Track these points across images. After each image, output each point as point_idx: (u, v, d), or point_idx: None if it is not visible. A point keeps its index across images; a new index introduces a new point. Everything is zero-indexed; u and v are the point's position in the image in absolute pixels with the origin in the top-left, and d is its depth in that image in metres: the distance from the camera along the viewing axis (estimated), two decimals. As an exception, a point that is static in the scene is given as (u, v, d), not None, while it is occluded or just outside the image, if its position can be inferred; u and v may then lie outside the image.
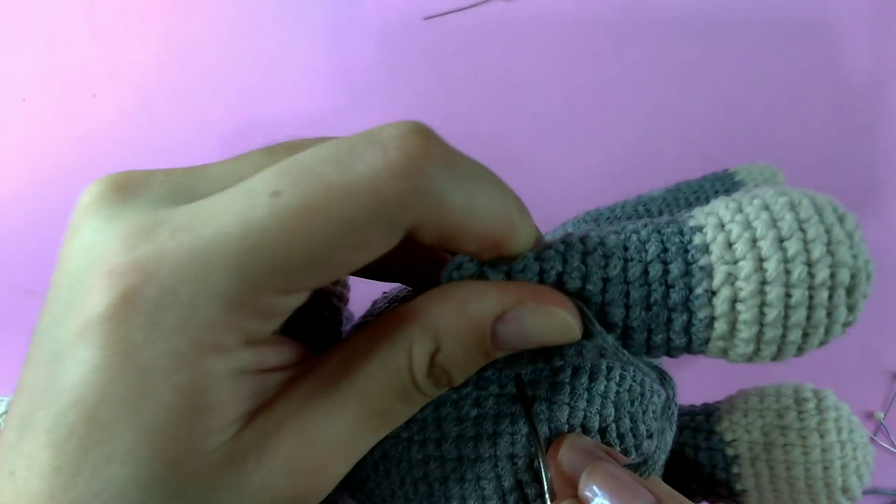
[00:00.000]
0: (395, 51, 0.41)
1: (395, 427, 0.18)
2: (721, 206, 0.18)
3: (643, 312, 0.18)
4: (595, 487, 0.18)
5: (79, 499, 0.16)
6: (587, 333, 0.18)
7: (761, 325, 0.17)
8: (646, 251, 0.18)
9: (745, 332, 0.17)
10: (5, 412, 0.19)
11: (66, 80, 0.42)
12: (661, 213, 0.29)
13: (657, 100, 0.40)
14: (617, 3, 0.40)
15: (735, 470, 0.24)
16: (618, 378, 0.22)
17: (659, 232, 0.18)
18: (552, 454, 0.20)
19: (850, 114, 0.40)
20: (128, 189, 0.17)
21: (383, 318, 0.18)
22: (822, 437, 0.24)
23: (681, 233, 0.18)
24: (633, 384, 0.22)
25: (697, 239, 0.18)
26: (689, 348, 0.18)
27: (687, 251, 0.18)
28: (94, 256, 0.16)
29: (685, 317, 0.18)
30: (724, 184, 0.31)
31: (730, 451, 0.25)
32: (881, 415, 0.39)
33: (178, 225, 0.16)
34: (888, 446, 0.40)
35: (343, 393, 0.17)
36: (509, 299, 0.17)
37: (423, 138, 0.16)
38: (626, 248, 0.18)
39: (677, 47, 0.40)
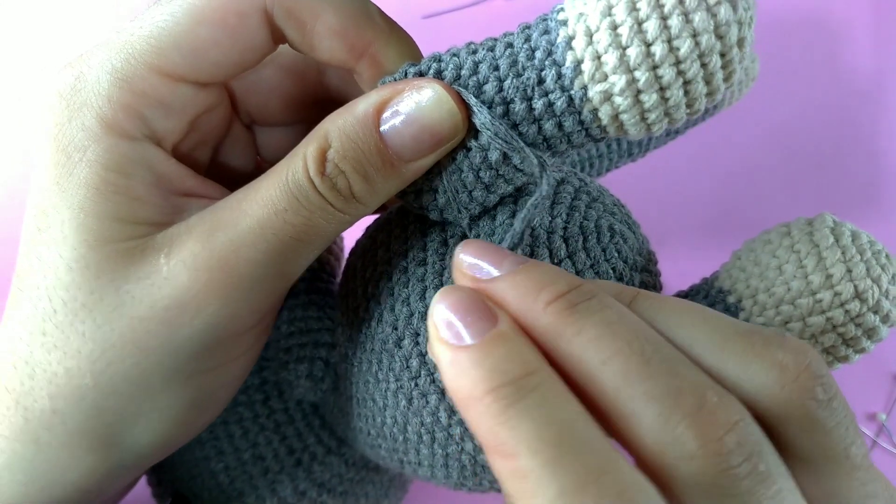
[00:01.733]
0: (394, 49, 0.41)
1: (304, 238, 0.19)
2: None
3: (514, 80, 0.18)
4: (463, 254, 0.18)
5: (30, 294, 0.18)
6: (475, 134, 0.19)
7: (622, 47, 0.17)
8: (511, 34, 0.19)
9: (611, 61, 0.17)
10: None
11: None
12: None
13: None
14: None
15: (742, 315, 0.22)
16: (565, 216, 0.22)
17: (525, 24, 0.19)
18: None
19: (851, 113, 0.40)
20: None
21: None
22: (816, 245, 0.20)
23: (542, 15, 0.19)
24: (586, 222, 0.22)
25: (555, 9, 0.19)
26: (578, 115, 0.18)
27: (546, 18, 0.19)
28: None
29: (554, 70, 0.18)
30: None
31: (731, 299, 0.22)
32: (883, 416, 0.39)
33: (106, 38, 0.19)
34: (891, 448, 0.39)
35: (247, 199, 0.19)
36: (387, 92, 0.18)
37: None
38: (494, 40, 0.19)
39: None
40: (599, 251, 0.22)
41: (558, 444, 0.13)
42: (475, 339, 0.15)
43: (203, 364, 0.19)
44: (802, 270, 0.20)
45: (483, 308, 0.16)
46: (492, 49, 0.19)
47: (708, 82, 0.18)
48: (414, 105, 0.18)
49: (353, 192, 0.19)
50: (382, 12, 0.20)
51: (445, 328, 0.15)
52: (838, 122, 0.40)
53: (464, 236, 0.21)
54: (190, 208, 0.19)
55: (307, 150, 0.18)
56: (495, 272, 0.17)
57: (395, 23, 0.21)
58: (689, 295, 0.25)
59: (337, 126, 0.18)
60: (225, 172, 0.23)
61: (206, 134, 0.21)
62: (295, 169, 0.18)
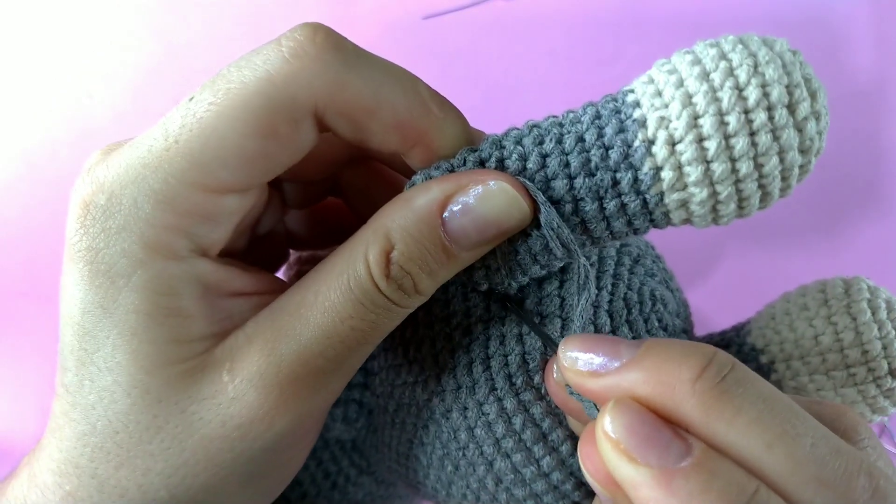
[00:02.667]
0: (394, 50, 0.41)
1: (369, 339, 0.18)
2: (652, 69, 0.19)
3: (587, 179, 0.18)
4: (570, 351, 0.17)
5: (84, 412, 0.17)
6: (537, 222, 0.18)
7: (706, 161, 0.17)
8: (580, 121, 0.18)
9: (694, 174, 0.17)
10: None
11: (60, 81, 0.42)
12: None
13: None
14: (616, 2, 0.40)
15: (774, 377, 0.22)
16: (610, 287, 0.22)
17: (593, 104, 0.19)
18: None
19: (852, 113, 0.40)
20: (114, 147, 0.19)
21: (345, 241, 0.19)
22: (853, 318, 0.21)
23: (614, 99, 0.18)
24: (629, 292, 0.22)
25: (629, 98, 0.18)
26: (649, 215, 0.18)
27: (619, 111, 0.18)
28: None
29: (630, 174, 0.17)
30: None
31: (763, 359, 0.22)
32: (885, 419, 0.39)
33: (126, 146, 0.18)
34: (892, 449, 0.39)
35: (307, 305, 0.18)
36: (450, 186, 0.18)
37: (312, 29, 0.18)
38: (560, 125, 0.19)
39: (677, 46, 0.40)
40: (642, 322, 0.22)
41: None
42: (662, 462, 0.14)
43: (277, 460, 0.19)
44: (839, 344, 0.21)
45: (668, 431, 0.15)
46: (560, 141, 0.18)
47: (784, 189, 0.18)
48: (480, 201, 0.17)
49: (418, 289, 0.18)
50: (435, 94, 0.19)
51: (634, 449, 0.15)
52: (839, 121, 0.40)
53: (505, 300, 0.20)
54: (240, 309, 0.19)
55: (369, 252, 0.18)
56: (615, 363, 0.16)
57: (449, 105, 0.20)
58: (720, 343, 0.25)
59: (399, 225, 0.18)
60: (254, 234, 0.23)
61: (247, 224, 0.21)
62: (358, 273, 0.18)
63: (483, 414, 0.20)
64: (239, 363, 0.17)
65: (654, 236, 0.39)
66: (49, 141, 0.42)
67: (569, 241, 0.18)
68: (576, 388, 0.17)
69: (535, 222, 0.18)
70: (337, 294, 0.18)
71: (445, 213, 0.18)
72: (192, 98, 0.17)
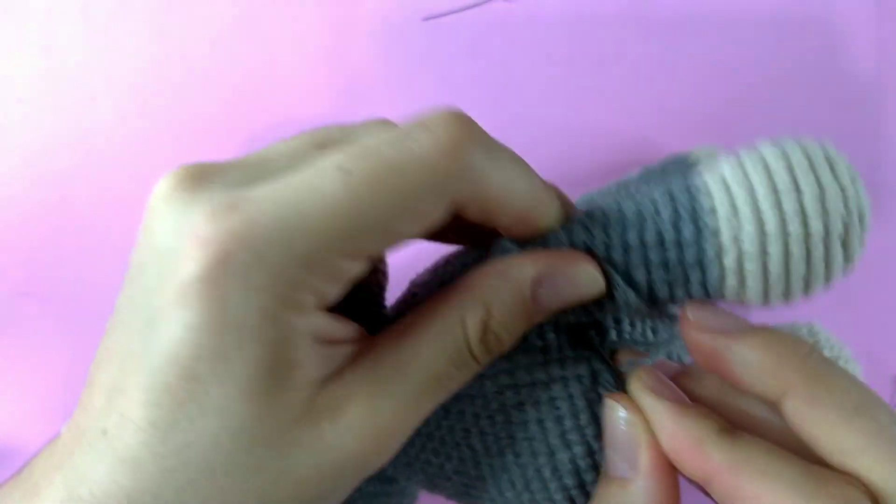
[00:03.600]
0: (394, 52, 0.41)
1: (450, 393, 0.20)
2: (726, 168, 0.21)
3: (662, 272, 0.21)
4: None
5: (175, 449, 0.18)
6: (611, 294, 0.21)
7: (766, 278, 0.20)
8: (660, 217, 0.21)
9: (753, 285, 0.20)
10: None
11: (63, 82, 0.42)
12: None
13: (658, 100, 0.40)
14: (617, 3, 0.40)
15: None
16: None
17: (671, 197, 0.21)
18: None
19: (851, 115, 0.40)
20: (203, 176, 0.19)
21: (436, 295, 0.21)
22: None
23: (690, 196, 0.21)
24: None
25: (706, 203, 0.20)
26: (707, 297, 0.21)
27: (696, 214, 0.20)
28: (183, 231, 0.18)
29: (699, 274, 0.20)
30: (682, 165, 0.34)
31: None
32: None
33: (262, 199, 0.18)
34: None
35: (406, 362, 0.19)
36: (543, 264, 0.21)
37: (466, 124, 0.20)
38: (643, 217, 0.21)
39: (678, 47, 0.40)
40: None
41: None
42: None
43: (348, 489, 0.20)
44: None
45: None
46: (641, 235, 0.21)
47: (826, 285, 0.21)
48: (569, 284, 0.21)
49: (502, 349, 0.21)
50: (544, 182, 0.22)
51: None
52: (839, 123, 0.40)
53: (545, 364, 0.23)
54: (337, 357, 0.20)
55: (467, 319, 0.20)
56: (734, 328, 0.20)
57: (553, 190, 0.23)
58: None
59: (498, 298, 0.20)
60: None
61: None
62: (456, 338, 0.20)
63: (555, 408, 0.23)
64: (341, 414, 0.19)
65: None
66: (50, 142, 0.42)
67: (637, 313, 0.22)
68: (700, 344, 0.20)
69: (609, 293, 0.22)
70: (434, 355, 0.20)
71: (539, 290, 0.20)
72: (340, 166, 0.18)
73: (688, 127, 0.40)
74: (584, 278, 0.21)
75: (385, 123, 0.23)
